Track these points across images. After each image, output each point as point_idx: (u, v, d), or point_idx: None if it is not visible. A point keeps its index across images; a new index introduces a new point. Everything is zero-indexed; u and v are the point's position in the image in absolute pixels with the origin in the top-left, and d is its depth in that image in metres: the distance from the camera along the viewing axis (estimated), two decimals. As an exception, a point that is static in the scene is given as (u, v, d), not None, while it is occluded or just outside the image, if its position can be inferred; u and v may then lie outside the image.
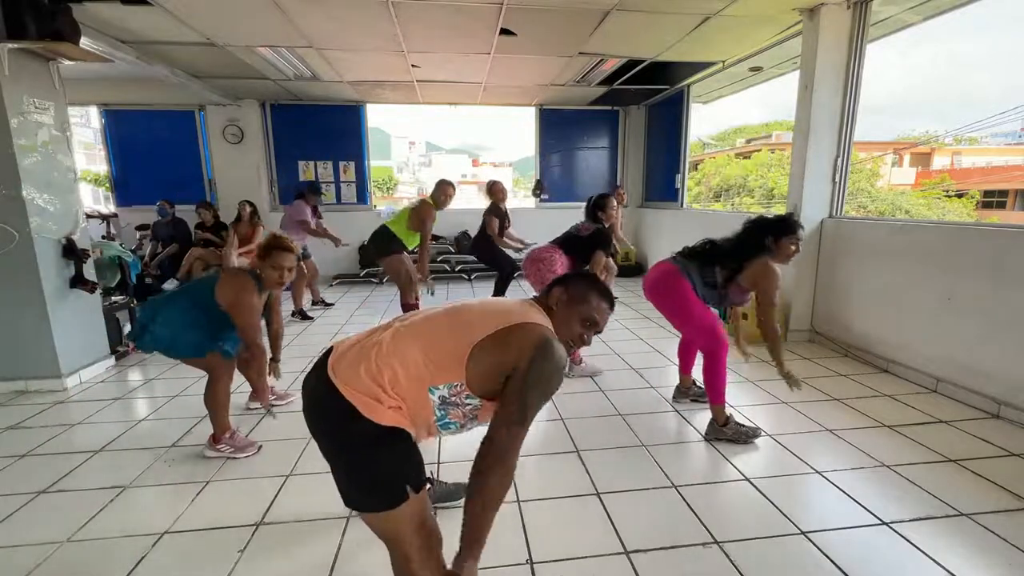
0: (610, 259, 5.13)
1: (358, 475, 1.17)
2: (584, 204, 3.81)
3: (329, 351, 1.26)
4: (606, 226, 3.63)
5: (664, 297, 2.61)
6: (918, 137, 29.85)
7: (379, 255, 4.18)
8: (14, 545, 1.80)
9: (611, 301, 1.40)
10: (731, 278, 2.49)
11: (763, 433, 2.53)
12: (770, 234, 2.46)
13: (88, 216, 4.00)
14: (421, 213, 4.05)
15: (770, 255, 2.44)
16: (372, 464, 1.15)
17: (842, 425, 2.62)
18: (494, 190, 4.76)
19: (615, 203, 3.76)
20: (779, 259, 2.46)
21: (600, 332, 1.39)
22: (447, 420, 1.24)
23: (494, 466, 1.11)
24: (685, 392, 2.95)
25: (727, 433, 2.48)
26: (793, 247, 2.46)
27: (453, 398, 1.20)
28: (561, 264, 3.40)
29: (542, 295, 1.39)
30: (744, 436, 2.46)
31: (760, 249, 2.45)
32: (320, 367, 1.22)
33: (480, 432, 1.20)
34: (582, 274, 1.43)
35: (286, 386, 3.19)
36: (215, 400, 2.35)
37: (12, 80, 2.93)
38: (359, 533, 1.83)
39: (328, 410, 1.17)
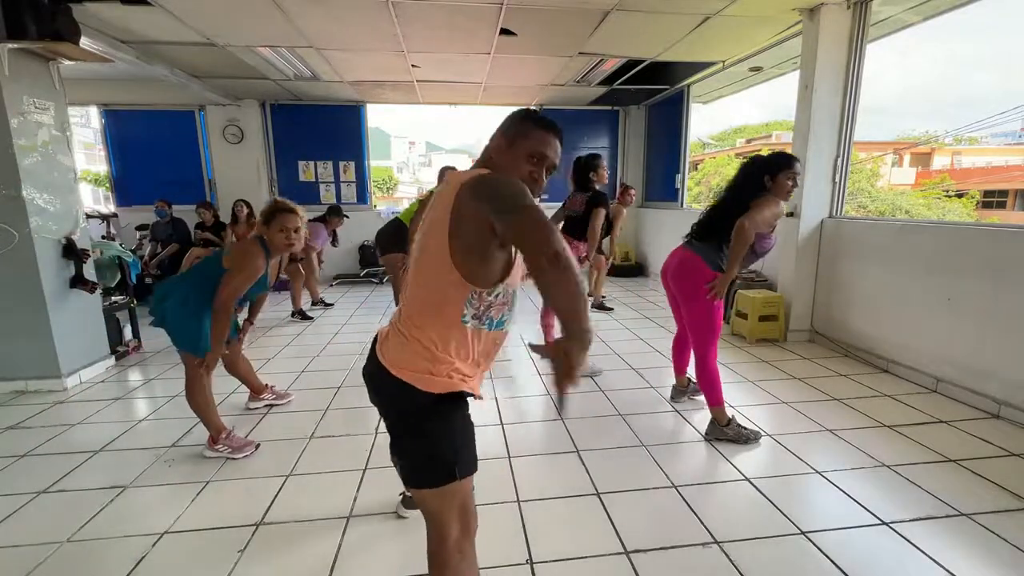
0: (600, 256, 5.07)
1: (413, 451, 1.18)
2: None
3: (376, 339, 1.26)
4: (598, 188, 3.39)
5: (684, 281, 2.54)
6: (918, 137, 29.85)
7: (387, 250, 4.08)
8: (14, 545, 1.80)
9: (553, 127, 1.24)
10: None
11: (764, 434, 2.53)
12: (766, 173, 2.41)
13: (88, 216, 4.00)
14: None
15: (771, 194, 2.40)
16: (426, 439, 1.16)
17: (842, 425, 2.62)
18: None
19: (606, 163, 3.49)
20: (779, 196, 2.42)
21: (554, 167, 1.24)
22: (497, 321, 1.20)
23: (555, 264, 0.93)
24: (683, 391, 2.95)
25: (728, 433, 2.48)
26: (790, 182, 2.40)
27: (481, 308, 1.15)
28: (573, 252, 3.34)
29: (483, 152, 1.28)
30: (744, 437, 2.47)
31: (759, 190, 2.41)
32: (372, 356, 1.23)
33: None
34: (515, 114, 1.27)
35: (286, 386, 3.19)
36: (196, 402, 2.34)
37: (12, 80, 2.93)
38: (359, 533, 1.83)
39: (388, 393, 1.19)
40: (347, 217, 5.66)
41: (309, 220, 5.24)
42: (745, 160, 2.55)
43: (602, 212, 3.35)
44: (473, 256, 1.10)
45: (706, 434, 2.54)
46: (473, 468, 1.20)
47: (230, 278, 2.20)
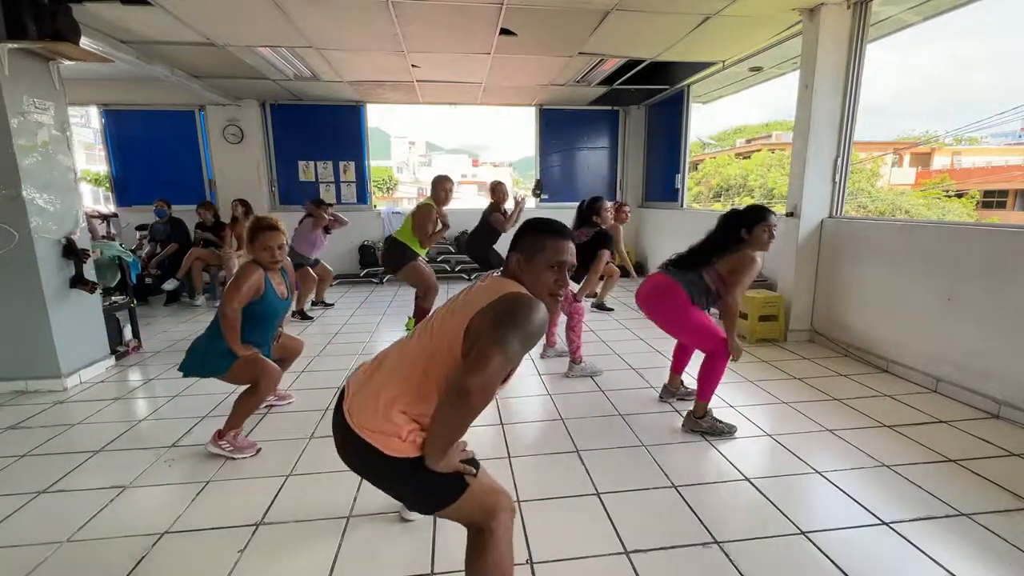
0: (611, 264, 5.16)
1: (409, 495, 1.24)
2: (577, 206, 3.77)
3: (344, 390, 1.31)
4: (603, 228, 3.60)
5: (657, 307, 2.64)
6: (918, 137, 29.85)
7: (394, 267, 4.13)
8: (14, 545, 1.80)
9: (566, 233, 1.34)
10: (717, 273, 2.51)
11: (766, 434, 2.53)
12: (743, 226, 2.48)
13: (88, 216, 3.99)
14: (419, 217, 4.01)
15: (748, 246, 2.48)
16: (416, 483, 1.19)
17: (842, 425, 2.62)
18: (497, 191, 4.88)
19: (608, 204, 3.70)
20: (757, 248, 2.48)
21: (572, 268, 1.34)
22: None
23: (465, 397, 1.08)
24: (672, 392, 2.97)
25: (702, 425, 2.53)
26: (766, 235, 2.47)
27: None
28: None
29: (505, 269, 1.36)
30: (718, 430, 2.51)
31: (737, 242, 2.49)
32: (338, 409, 1.27)
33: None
34: (525, 228, 1.36)
35: (286, 386, 3.19)
36: (247, 403, 2.37)
37: (12, 80, 2.93)
38: (359, 533, 1.83)
39: (357, 452, 1.22)
40: (331, 205, 5.41)
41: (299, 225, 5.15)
42: (725, 211, 2.63)
43: (605, 254, 3.52)
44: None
45: (682, 427, 2.59)
46: (475, 465, 1.24)
47: (228, 288, 2.27)
